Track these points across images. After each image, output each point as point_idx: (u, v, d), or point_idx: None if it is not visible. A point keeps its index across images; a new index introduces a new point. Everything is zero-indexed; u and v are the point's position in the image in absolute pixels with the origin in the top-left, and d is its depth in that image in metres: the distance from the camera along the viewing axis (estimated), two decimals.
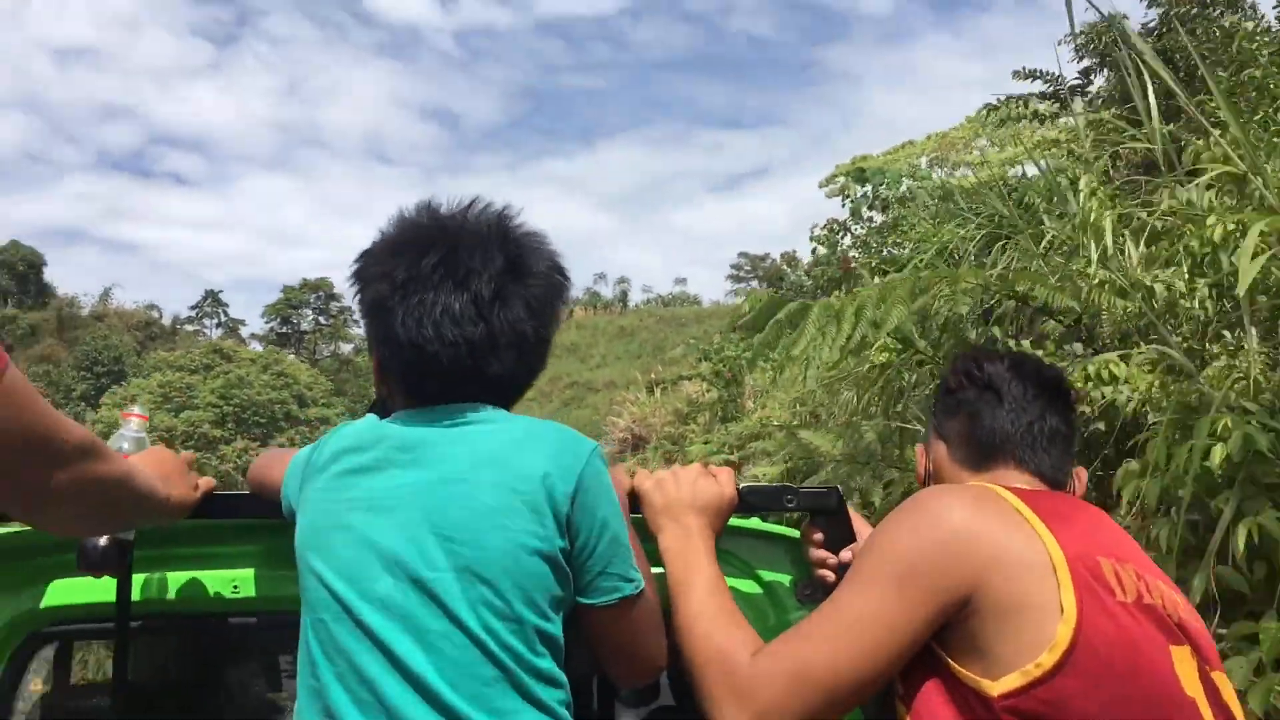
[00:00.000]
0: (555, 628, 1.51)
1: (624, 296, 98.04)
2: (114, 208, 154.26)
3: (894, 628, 1.44)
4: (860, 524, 1.93)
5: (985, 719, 1.39)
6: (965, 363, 1.83)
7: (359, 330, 76.50)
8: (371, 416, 1.64)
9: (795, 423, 20.70)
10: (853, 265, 13.61)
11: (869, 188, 17.07)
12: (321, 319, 76.94)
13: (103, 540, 1.66)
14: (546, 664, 1.49)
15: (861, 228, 15.45)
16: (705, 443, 28.91)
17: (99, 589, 1.81)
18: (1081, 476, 1.80)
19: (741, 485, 1.83)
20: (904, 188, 15.30)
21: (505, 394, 1.63)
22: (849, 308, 4.60)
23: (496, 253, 1.58)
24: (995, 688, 1.39)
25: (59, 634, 2.13)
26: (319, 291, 76.78)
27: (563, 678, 1.51)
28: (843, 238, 15.56)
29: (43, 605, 1.88)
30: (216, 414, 48.88)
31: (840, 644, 1.45)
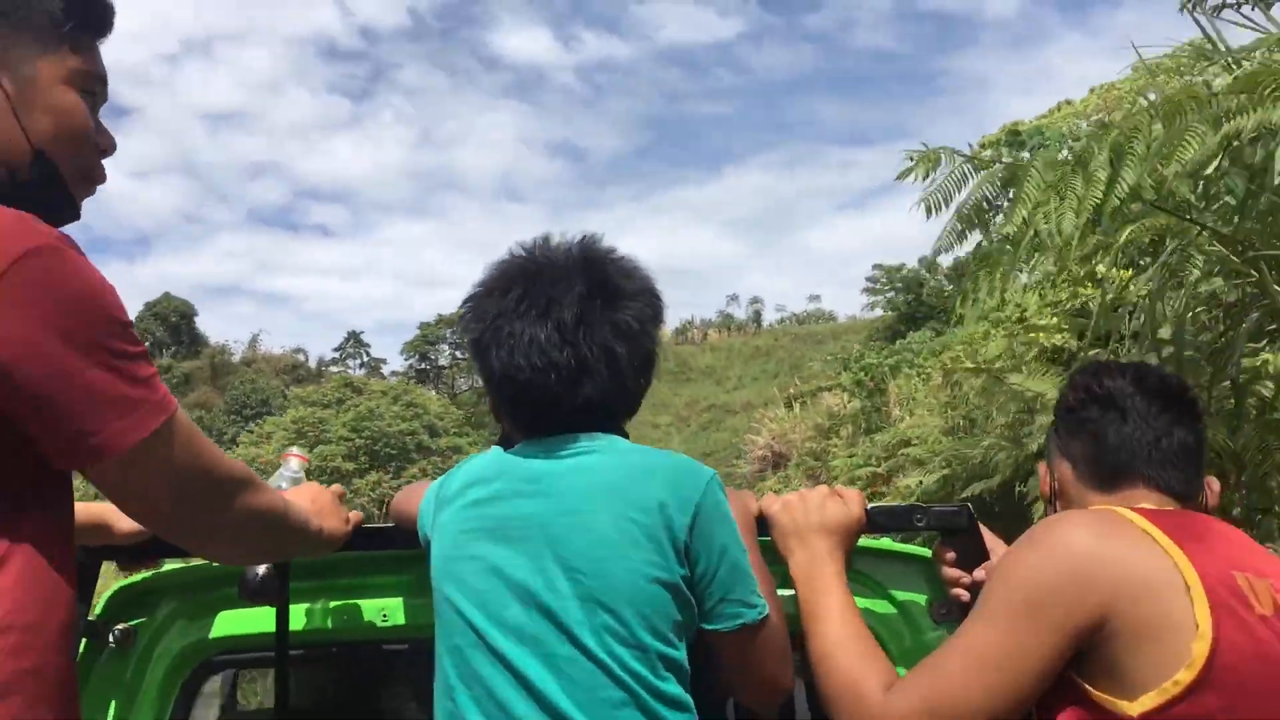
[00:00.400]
0: (679, 653, 1.56)
1: (758, 317, 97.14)
2: (264, 261, 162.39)
3: (1026, 661, 1.45)
4: (993, 541, 1.92)
5: None
6: (1085, 378, 1.80)
7: None
8: (496, 449, 1.72)
9: (949, 427, 19.17)
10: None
11: (1026, 153, 15.48)
12: (458, 354, 77.86)
13: (261, 569, 1.80)
14: (671, 688, 1.53)
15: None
16: (850, 456, 27.66)
17: (261, 620, 1.95)
18: (1214, 487, 1.76)
19: (870, 506, 1.84)
20: (1065, 151, 13.76)
21: (608, 416, 1.68)
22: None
23: (578, 279, 1.65)
24: (1134, 708, 1.39)
25: (226, 663, 2.23)
26: (454, 327, 77.83)
27: (688, 701, 1.54)
28: (993, 216, 14.34)
29: (211, 635, 2.03)
30: (349, 447, 49.19)
31: (971, 679, 1.46)
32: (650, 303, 1.71)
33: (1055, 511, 1.76)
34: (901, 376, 27.91)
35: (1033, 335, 9.28)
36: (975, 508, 1.94)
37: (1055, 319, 9.73)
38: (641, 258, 1.75)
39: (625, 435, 1.74)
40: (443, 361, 79.21)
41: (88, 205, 1.44)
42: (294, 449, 2.01)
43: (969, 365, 18.77)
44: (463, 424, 58.93)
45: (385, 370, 79.57)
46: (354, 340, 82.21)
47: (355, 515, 1.88)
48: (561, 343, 1.62)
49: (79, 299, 1.24)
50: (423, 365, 79.03)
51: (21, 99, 1.35)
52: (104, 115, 1.46)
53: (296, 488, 1.84)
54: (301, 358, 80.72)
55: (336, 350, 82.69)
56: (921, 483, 19.29)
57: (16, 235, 1.21)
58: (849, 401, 29.93)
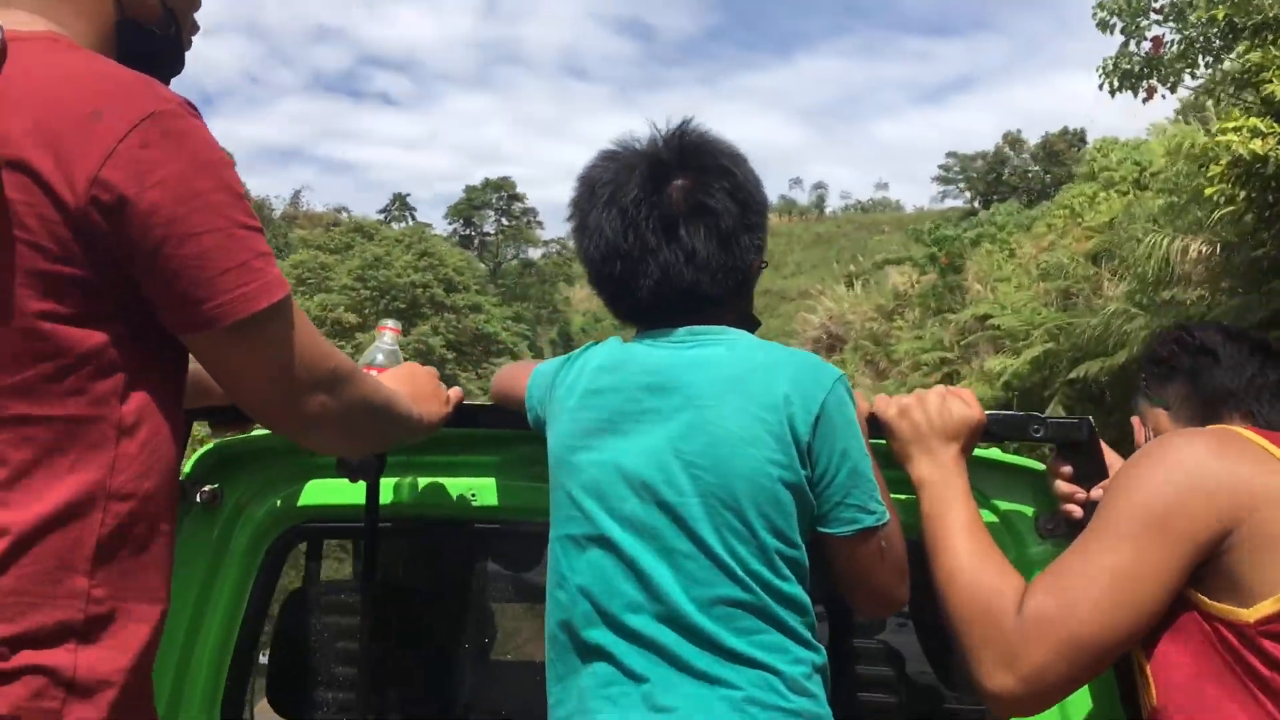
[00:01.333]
0: (799, 553, 1.56)
1: (820, 203, 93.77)
2: (326, 127, 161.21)
3: (1156, 577, 1.46)
4: (1112, 457, 1.88)
5: (1240, 648, 1.42)
6: (1174, 333, 1.85)
7: (543, 233, 74.57)
8: (615, 339, 1.72)
9: (1045, 301, 15.81)
10: (1163, 50, 9.30)
11: None
12: (504, 220, 74.93)
13: None
14: (791, 588, 1.53)
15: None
16: (916, 339, 24.41)
17: (350, 491, 1.98)
18: None
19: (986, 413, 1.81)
20: None
21: (702, 302, 1.65)
22: None
23: (643, 163, 1.65)
24: (1251, 614, 1.41)
25: (313, 530, 2.27)
26: (501, 191, 74.85)
27: (807, 601, 1.56)
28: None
29: (299, 503, 2.08)
30: (352, 298, 46.02)
31: (1105, 605, 1.46)
32: (722, 171, 1.65)
33: None
34: (982, 252, 24.39)
35: (1224, 139, 6.33)
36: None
37: (1251, 119, 6.66)
38: None
39: (753, 325, 1.73)
40: (488, 228, 76.16)
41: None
42: (389, 321, 2.00)
43: (1090, 225, 15.60)
44: (485, 281, 55.93)
45: (430, 234, 76.75)
46: (399, 203, 79.63)
47: (455, 393, 1.87)
48: (624, 228, 1.62)
49: (207, 163, 1.25)
50: (467, 231, 76.01)
51: None
52: None
53: (395, 369, 1.83)
54: (345, 216, 77.95)
55: (381, 212, 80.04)
56: (1009, 366, 16.00)
57: (146, 95, 1.23)
58: (919, 279, 26.61)
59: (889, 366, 25.47)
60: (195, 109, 1.27)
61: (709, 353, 1.61)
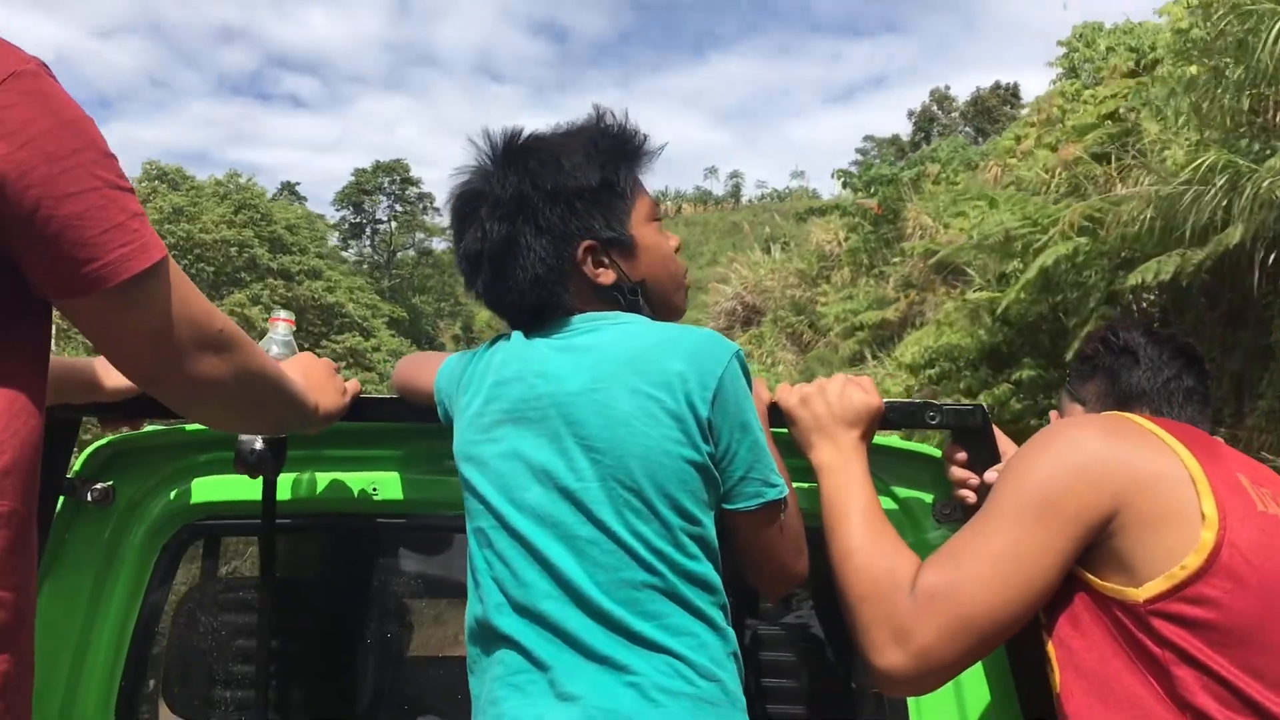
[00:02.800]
0: (706, 531, 1.59)
1: (736, 191, 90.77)
2: (234, 131, 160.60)
3: (1044, 562, 1.53)
4: (1005, 443, 1.97)
5: (1132, 628, 1.50)
6: (1101, 332, 1.94)
7: (442, 220, 69.81)
8: (518, 332, 1.74)
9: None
10: None
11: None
12: (397, 206, 69.73)
13: (258, 444, 1.81)
14: (699, 566, 1.56)
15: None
16: (848, 298, 20.07)
17: (247, 487, 1.98)
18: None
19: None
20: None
21: (554, 291, 1.70)
22: None
23: (508, 173, 1.71)
24: (1141, 594, 1.49)
25: (209, 528, 2.26)
26: (393, 174, 69.58)
27: (717, 581, 1.59)
28: None
29: (194, 500, 2.07)
30: None
31: (994, 584, 1.53)
32: (532, 158, 1.71)
33: None
34: (926, 193, 20.21)
35: None
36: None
37: None
38: None
39: (637, 310, 1.74)
40: (381, 215, 70.87)
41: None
42: (281, 312, 1.98)
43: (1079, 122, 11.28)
44: (318, 241, 49.69)
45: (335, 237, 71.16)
46: (288, 190, 73.81)
47: (353, 385, 1.90)
48: (479, 237, 1.71)
49: (71, 122, 1.24)
50: (357, 218, 70.68)
51: None
52: None
53: (289, 360, 1.82)
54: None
55: (270, 200, 73.74)
56: (1000, 297, 11.39)
57: (4, 56, 1.21)
58: (846, 236, 22.55)
59: (814, 338, 21.73)
60: (50, 70, 1.26)
61: (602, 336, 1.65)
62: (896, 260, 18.03)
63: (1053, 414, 1.97)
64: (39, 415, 1.28)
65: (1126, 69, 13.04)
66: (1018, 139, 16.74)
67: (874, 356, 16.46)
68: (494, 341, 1.77)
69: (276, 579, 2.10)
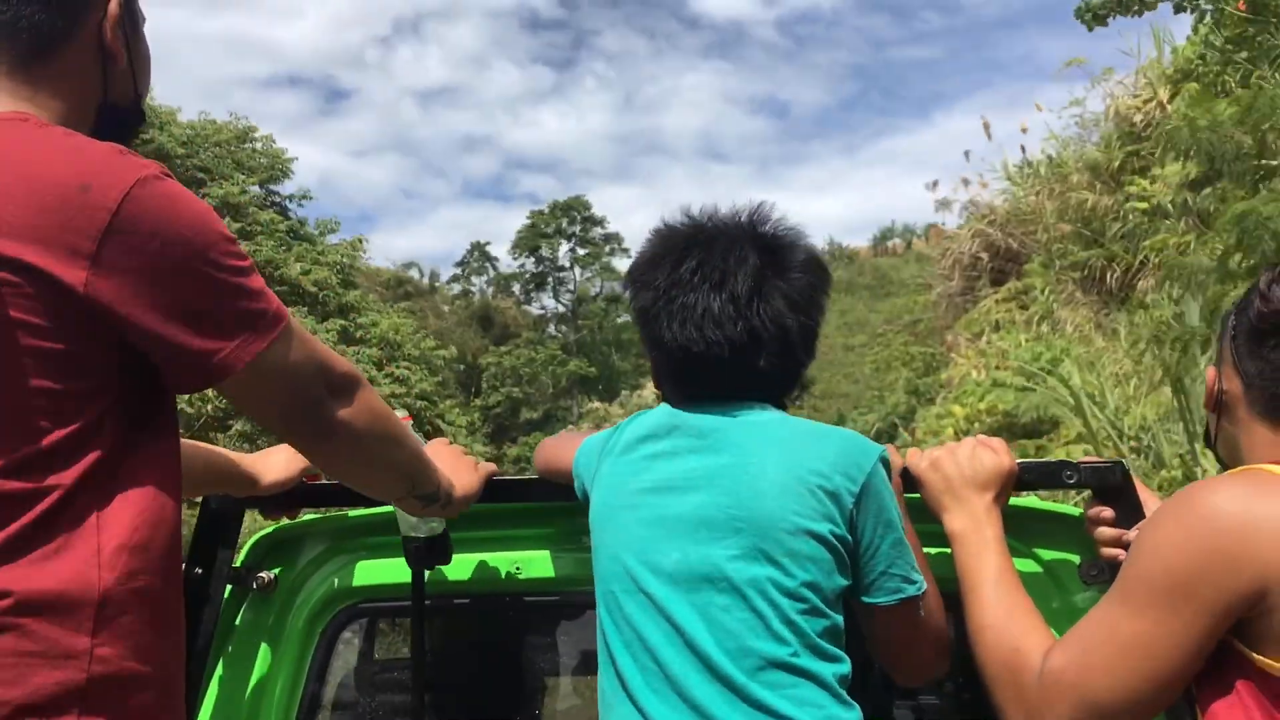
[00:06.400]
0: (836, 610, 1.71)
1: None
2: (478, 232, 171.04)
3: (1175, 654, 1.48)
4: (1148, 497, 1.99)
5: None
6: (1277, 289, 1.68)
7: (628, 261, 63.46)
8: (665, 405, 1.89)
9: None
10: None
11: None
12: (579, 249, 63.90)
13: (422, 533, 2.01)
14: (826, 643, 1.67)
15: None
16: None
17: (399, 570, 2.17)
18: None
19: (1018, 462, 1.96)
20: None
21: (775, 389, 1.85)
22: None
23: (750, 250, 1.80)
24: None
25: (366, 610, 2.47)
26: (572, 212, 63.96)
27: (842, 654, 1.71)
28: None
29: (351, 584, 2.27)
30: None
31: (1120, 671, 1.51)
32: (817, 272, 1.86)
33: (1217, 427, 1.76)
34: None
35: None
36: None
37: None
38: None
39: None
40: (563, 261, 65.29)
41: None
42: (400, 411, 2.07)
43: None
44: (556, 324, 43.69)
45: (516, 288, 68.78)
46: (478, 252, 69.50)
47: (487, 466, 2.06)
48: (736, 315, 1.76)
49: (191, 223, 1.38)
50: (539, 268, 65.36)
51: (135, 54, 1.61)
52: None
53: (427, 445, 2.00)
54: (414, 274, 68.41)
55: (459, 265, 71.05)
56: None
57: (121, 167, 1.35)
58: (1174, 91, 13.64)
59: (1126, 277, 13.25)
60: (168, 170, 1.42)
61: (760, 417, 1.80)
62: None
63: (1209, 369, 1.77)
64: (174, 496, 1.44)
65: None
66: None
67: None
68: (635, 417, 1.90)
69: (428, 658, 2.27)
